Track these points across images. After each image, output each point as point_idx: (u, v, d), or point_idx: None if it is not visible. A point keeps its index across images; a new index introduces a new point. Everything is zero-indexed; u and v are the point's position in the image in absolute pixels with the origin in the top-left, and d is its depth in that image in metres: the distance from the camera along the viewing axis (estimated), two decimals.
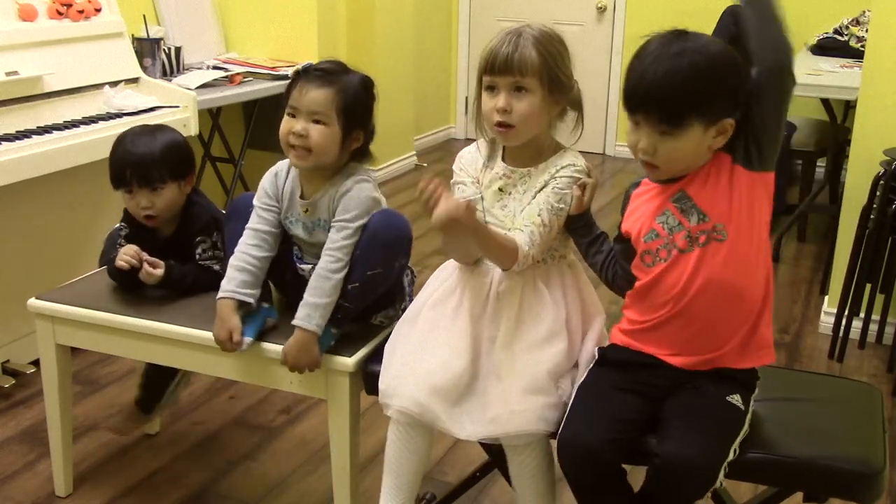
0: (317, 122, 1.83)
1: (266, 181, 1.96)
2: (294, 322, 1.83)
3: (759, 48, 1.59)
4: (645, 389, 1.66)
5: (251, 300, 1.89)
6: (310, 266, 1.92)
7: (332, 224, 1.88)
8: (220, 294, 1.89)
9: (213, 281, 2.12)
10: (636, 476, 1.63)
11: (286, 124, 1.85)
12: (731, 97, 1.56)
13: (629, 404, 1.64)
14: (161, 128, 2.20)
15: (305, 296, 1.84)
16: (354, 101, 1.86)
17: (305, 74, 1.85)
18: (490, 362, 1.73)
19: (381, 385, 1.78)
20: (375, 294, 1.93)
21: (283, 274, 1.96)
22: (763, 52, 1.58)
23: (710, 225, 1.60)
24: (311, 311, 1.83)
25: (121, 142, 2.13)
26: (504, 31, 1.73)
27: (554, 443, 1.73)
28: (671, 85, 1.53)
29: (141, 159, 2.07)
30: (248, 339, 1.87)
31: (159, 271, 2.06)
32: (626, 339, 1.72)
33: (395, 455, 1.86)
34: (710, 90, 1.55)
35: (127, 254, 2.06)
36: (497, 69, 1.70)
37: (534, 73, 1.68)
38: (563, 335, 1.75)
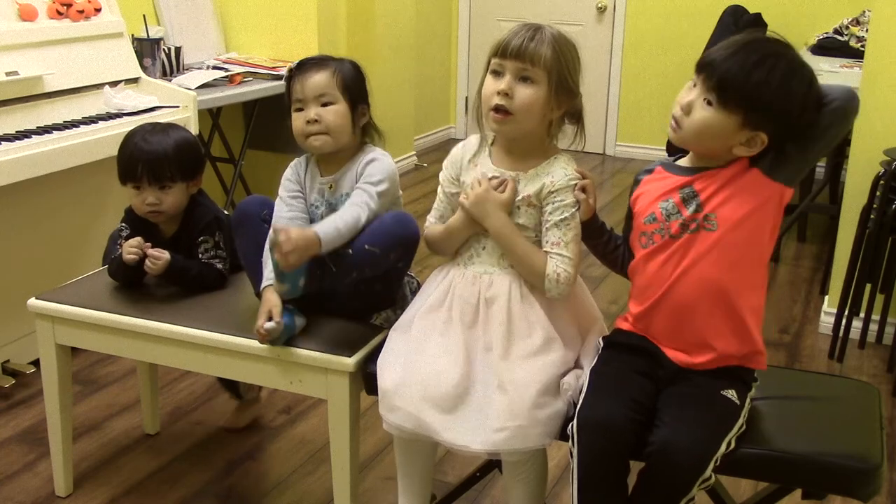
0: (325, 104, 1.90)
1: (288, 172, 2.01)
2: (314, 227, 1.81)
3: (832, 95, 1.61)
4: (651, 374, 1.68)
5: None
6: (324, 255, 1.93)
7: (357, 188, 1.91)
8: (264, 283, 1.88)
9: (216, 278, 2.14)
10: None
11: (298, 118, 1.92)
12: (785, 121, 1.59)
13: (642, 386, 1.65)
14: (173, 126, 2.21)
15: (333, 216, 1.85)
16: (352, 77, 1.95)
17: (299, 67, 1.94)
18: (486, 371, 1.72)
19: (379, 396, 1.76)
20: (361, 275, 1.88)
21: None
22: (835, 94, 1.61)
23: (702, 214, 1.63)
24: (330, 229, 1.80)
25: (132, 137, 2.13)
26: (523, 23, 1.73)
27: (551, 451, 1.73)
28: (746, 78, 1.57)
29: (154, 156, 2.08)
30: (276, 325, 1.82)
31: (164, 256, 2.06)
32: (629, 325, 1.75)
33: (403, 459, 1.87)
34: (772, 106, 1.57)
35: (131, 245, 2.06)
36: (509, 53, 1.69)
37: (544, 66, 1.67)
38: (558, 341, 1.74)
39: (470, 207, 1.76)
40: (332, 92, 1.91)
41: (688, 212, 1.65)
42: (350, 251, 1.85)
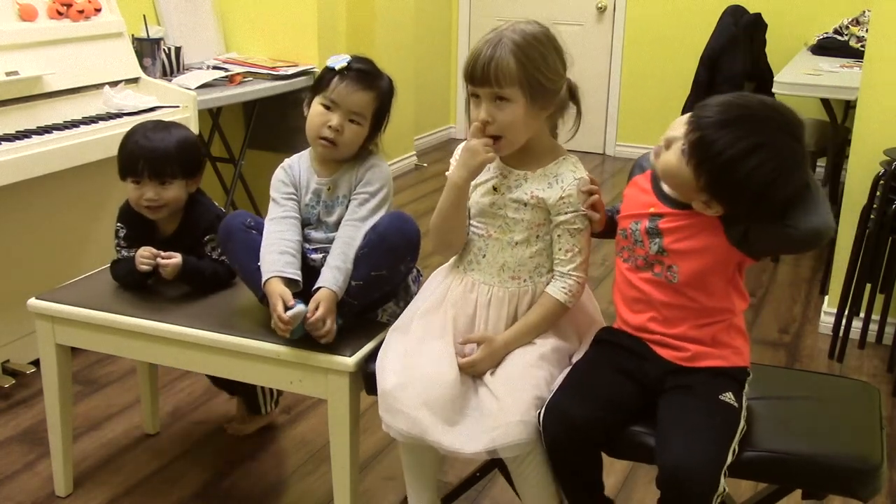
0: (353, 121, 1.91)
1: (279, 175, 2.00)
2: (320, 283, 1.85)
3: (809, 223, 1.55)
4: (639, 375, 1.68)
5: (299, 278, 1.88)
6: (321, 256, 1.94)
7: (354, 196, 1.94)
8: (266, 276, 1.87)
9: (228, 274, 2.14)
10: (629, 470, 1.63)
11: (321, 116, 1.91)
12: (749, 215, 1.56)
13: (621, 387, 1.67)
14: (175, 125, 2.22)
15: (329, 261, 1.88)
16: (386, 104, 1.97)
17: (349, 72, 1.91)
18: (480, 380, 1.74)
19: (379, 395, 1.76)
20: (380, 292, 1.94)
21: None
22: (812, 224, 1.55)
23: (667, 262, 1.65)
24: (336, 273, 1.86)
25: (134, 133, 2.14)
26: (487, 33, 1.70)
27: None
28: (727, 162, 1.50)
29: (155, 152, 2.09)
30: (300, 307, 1.81)
31: (175, 260, 2.07)
32: (619, 323, 1.76)
33: (409, 460, 1.87)
34: (739, 199, 1.54)
35: (143, 256, 2.07)
36: (476, 80, 1.67)
37: (511, 82, 1.64)
38: (556, 353, 1.76)
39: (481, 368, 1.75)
40: (365, 114, 1.92)
41: (650, 250, 1.66)
42: (361, 282, 1.88)
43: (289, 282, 1.87)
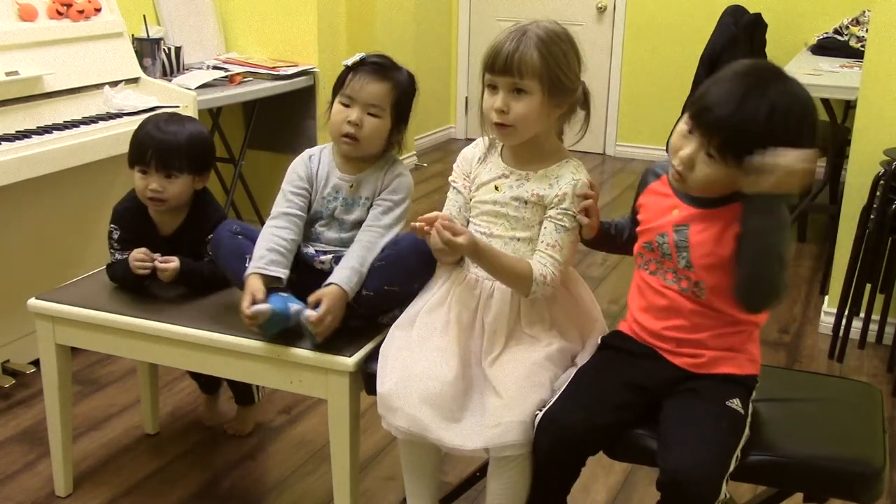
0: (371, 114, 1.91)
1: (298, 165, 2.00)
2: (333, 280, 1.85)
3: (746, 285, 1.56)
4: (645, 382, 1.67)
5: (282, 276, 1.88)
6: (330, 257, 1.95)
7: (378, 202, 1.95)
8: (248, 271, 1.88)
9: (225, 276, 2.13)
10: (628, 471, 1.63)
11: (341, 113, 1.92)
12: (793, 132, 1.53)
13: (624, 400, 1.65)
14: (190, 119, 2.22)
15: (345, 261, 1.88)
16: (406, 96, 1.96)
17: (363, 66, 1.92)
18: (483, 375, 1.74)
19: (378, 396, 1.76)
20: (389, 306, 1.94)
21: (294, 267, 1.96)
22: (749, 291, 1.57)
23: (693, 277, 1.63)
24: (352, 274, 1.86)
25: (147, 123, 2.15)
26: (511, 27, 1.72)
27: None
28: (758, 133, 1.48)
29: (165, 144, 2.09)
30: (264, 306, 1.81)
31: (173, 264, 2.07)
32: (630, 328, 1.75)
33: (408, 460, 1.86)
34: (784, 137, 1.50)
35: (138, 259, 2.07)
36: (497, 69, 1.69)
37: (533, 74, 1.67)
38: (558, 354, 1.76)
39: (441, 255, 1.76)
40: (383, 106, 1.92)
41: (679, 264, 1.64)
42: (372, 293, 1.88)
43: (271, 279, 1.87)
